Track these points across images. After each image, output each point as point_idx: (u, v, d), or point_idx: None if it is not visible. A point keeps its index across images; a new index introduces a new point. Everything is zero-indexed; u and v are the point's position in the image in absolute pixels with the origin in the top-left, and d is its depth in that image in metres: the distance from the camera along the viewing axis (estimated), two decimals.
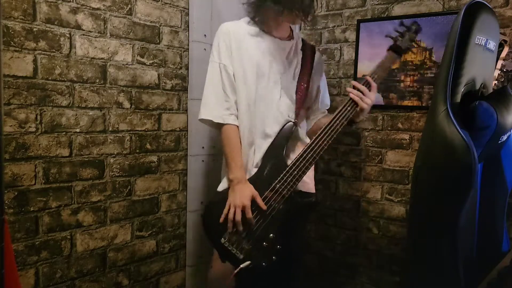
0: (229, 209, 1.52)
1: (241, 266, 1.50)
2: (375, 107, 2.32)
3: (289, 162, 1.54)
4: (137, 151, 1.94)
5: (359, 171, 2.40)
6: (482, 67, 1.57)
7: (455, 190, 1.38)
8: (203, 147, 2.17)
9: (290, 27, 1.72)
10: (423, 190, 1.50)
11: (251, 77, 1.59)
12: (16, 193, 1.56)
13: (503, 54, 1.84)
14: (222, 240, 1.54)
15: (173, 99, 2.07)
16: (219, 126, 1.61)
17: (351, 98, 1.53)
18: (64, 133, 1.68)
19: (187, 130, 2.14)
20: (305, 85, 1.66)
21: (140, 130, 1.95)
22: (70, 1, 1.65)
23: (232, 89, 1.60)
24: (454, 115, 1.37)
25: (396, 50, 1.64)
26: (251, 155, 1.61)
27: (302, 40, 1.76)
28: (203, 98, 1.63)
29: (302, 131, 1.70)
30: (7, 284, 1.08)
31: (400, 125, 2.26)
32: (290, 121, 1.60)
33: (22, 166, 1.57)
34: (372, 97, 1.53)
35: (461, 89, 1.44)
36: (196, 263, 2.21)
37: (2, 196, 1.10)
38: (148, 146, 1.99)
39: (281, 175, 1.51)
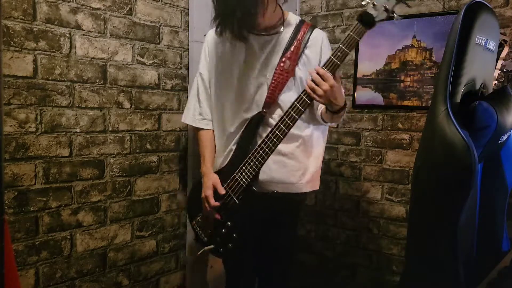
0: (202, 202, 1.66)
1: (205, 248, 1.65)
2: (375, 107, 2.32)
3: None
4: (137, 151, 1.94)
5: (359, 171, 2.40)
6: (482, 67, 1.56)
7: (455, 190, 1.38)
8: None
9: (282, 14, 1.58)
10: (423, 190, 1.50)
11: (225, 79, 1.65)
12: (16, 193, 1.56)
13: (503, 54, 1.84)
14: (193, 222, 1.69)
15: (173, 99, 2.07)
16: (194, 128, 1.76)
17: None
18: (64, 133, 1.68)
19: (187, 130, 2.14)
20: (284, 74, 1.54)
21: (140, 130, 1.95)
22: (70, 1, 1.65)
23: (206, 95, 1.70)
24: (454, 115, 1.36)
25: (365, 20, 1.31)
26: (226, 152, 1.66)
27: (301, 22, 1.60)
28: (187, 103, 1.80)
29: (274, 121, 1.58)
30: (7, 284, 1.08)
31: (400, 125, 2.26)
32: (259, 113, 1.58)
33: (22, 166, 1.57)
34: (324, 87, 1.34)
35: (461, 89, 1.44)
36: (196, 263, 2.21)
37: (2, 196, 1.10)
38: (148, 146, 1.99)
39: (241, 165, 1.55)
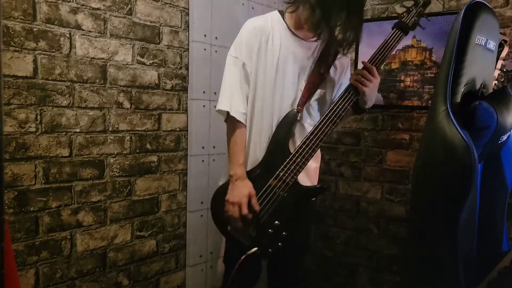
0: (227, 206, 1.56)
1: (248, 252, 1.54)
2: (375, 107, 2.32)
3: (293, 150, 1.56)
4: (137, 151, 1.94)
5: (359, 171, 2.40)
6: (482, 67, 1.57)
7: (455, 190, 1.38)
8: (203, 147, 2.17)
9: None
10: (423, 190, 1.50)
11: (269, 75, 1.61)
12: (16, 193, 1.56)
13: (503, 54, 1.84)
14: (229, 228, 1.58)
15: (173, 99, 2.07)
16: (229, 119, 1.62)
17: (351, 83, 1.52)
18: (64, 133, 1.68)
19: (187, 130, 2.14)
20: (318, 76, 1.62)
21: (140, 130, 1.95)
22: (70, 1, 1.65)
23: (247, 86, 1.62)
24: (454, 115, 1.37)
25: (401, 27, 1.55)
26: (259, 148, 1.63)
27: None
28: (221, 90, 1.64)
29: (309, 119, 1.66)
30: (7, 284, 1.08)
31: (400, 125, 2.26)
32: (293, 109, 1.59)
33: (22, 166, 1.57)
34: (372, 80, 1.50)
35: (461, 89, 1.44)
36: (196, 263, 2.21)
37: (2, 196, 1.10)
38: (148, 146, 1.99)
39: (285, 163, 1.53)
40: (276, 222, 1.55)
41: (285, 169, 1.52)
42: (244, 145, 1.62)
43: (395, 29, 1.56)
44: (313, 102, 1.64)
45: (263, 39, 1.60)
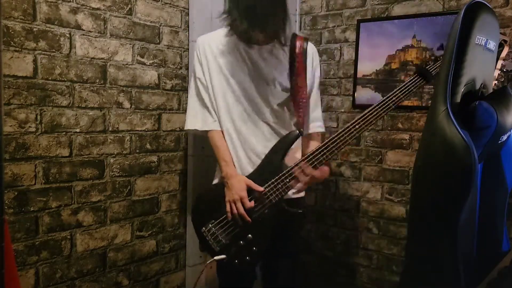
0: (230, 206, 1.56)
1: (215, 258, 1.55)
2: None
3: (285, 169, 1.55)
4: (137, 151, 1.94)
5: (359, 171, 2.40)
6: (482, 67, 1.56)
7: (455, 190, 1.38)
8: (203, 147, 2.17)
9: None
10: (423, 190, 1.50)
11: (222, 87, 1.63)
12: (16, 193, 1.56)
13: (503, 54, 1.84)
14: (203, 229, 1.59)
15: (173, 99, 2.07)
16: (205, 133, 1.68)
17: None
18: (64, 133, 1.68)
19: None
20: (302, 90, 1.61)
21: (140, 130, 1.95)
22: (70, 1, 1.65)
23: (210, 99, 1.65)
24: (454, 115, 1.37)
25: (423, 74, 1.54)
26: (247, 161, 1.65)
27: (294, 34, 1.66)
28: (187, 110, 1.72)
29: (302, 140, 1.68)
30: (7, 284, 1.09)
31: (400, 125, 2.26)
32: (295, 131, 1.60)
33: (22, 166, 1.57)
34: (316, 175, 1.52)
35: (461, 89, 1.44)
36: (196, 263, 2.21)
37: (2, 196, 1.10)
38: (148, 146, 1.99)
39: (273, 180, 1.52)
40: (249, 236, 1.54)
41: (272, 185, 1.52)
42: (226, 147, 1.63)
43: (416, 75, 1.55)
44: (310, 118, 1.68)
45: (213, 54, 1.63)
